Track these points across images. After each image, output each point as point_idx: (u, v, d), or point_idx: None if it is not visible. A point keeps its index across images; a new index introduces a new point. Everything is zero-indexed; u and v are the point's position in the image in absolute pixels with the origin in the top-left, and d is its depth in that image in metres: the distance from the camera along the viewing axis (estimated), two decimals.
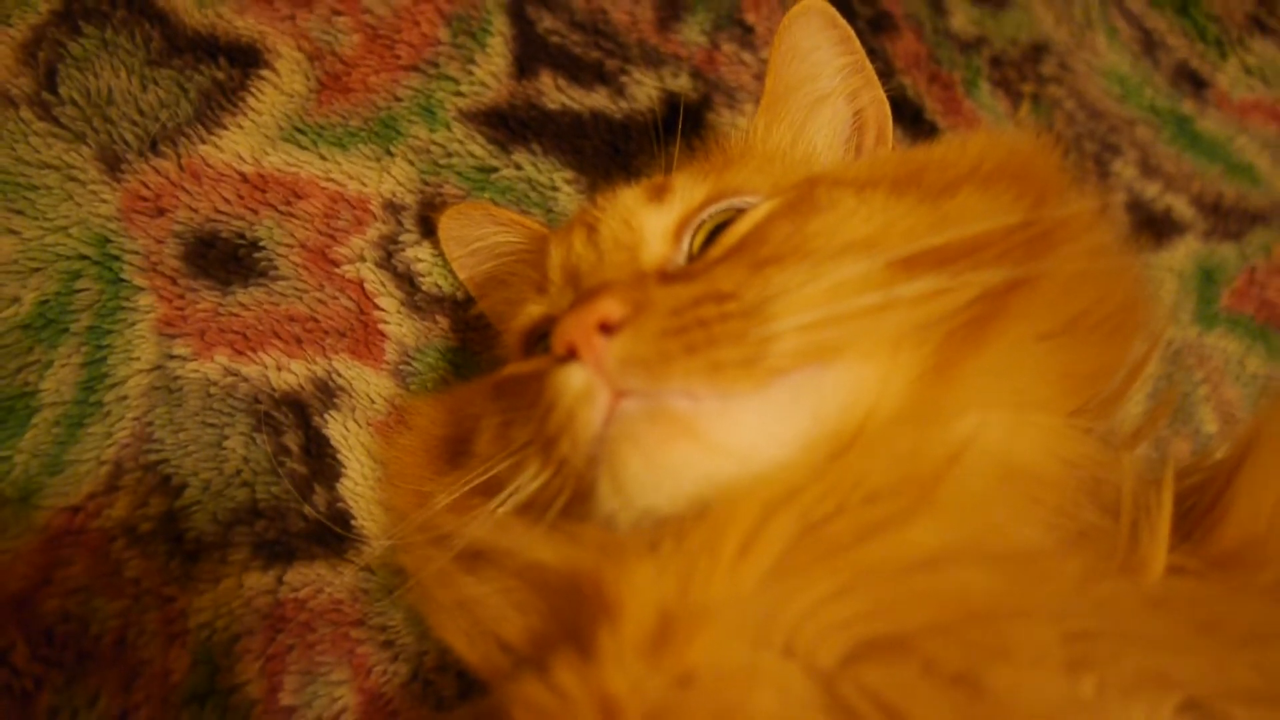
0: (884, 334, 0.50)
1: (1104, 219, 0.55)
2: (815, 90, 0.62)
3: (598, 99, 0.74)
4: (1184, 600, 0.45)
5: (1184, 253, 0.80)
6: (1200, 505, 0.52)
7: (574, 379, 0.48)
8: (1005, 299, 0.52)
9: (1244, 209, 0.83)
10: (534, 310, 0.58)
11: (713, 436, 0.47)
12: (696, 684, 0.41)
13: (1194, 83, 0.86)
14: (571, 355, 0.48)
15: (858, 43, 0.62)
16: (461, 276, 0.69)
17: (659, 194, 0.56)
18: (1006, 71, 0.81)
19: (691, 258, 0.55)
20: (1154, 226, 0.80)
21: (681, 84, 0.76)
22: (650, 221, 0.56)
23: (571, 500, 0.50)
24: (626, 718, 0.41)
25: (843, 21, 0.62)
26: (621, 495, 0.48)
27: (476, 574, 0.52)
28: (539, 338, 0.58)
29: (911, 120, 0.79)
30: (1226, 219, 0.82)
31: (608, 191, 0.57)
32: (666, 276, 0.52)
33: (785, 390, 0.48)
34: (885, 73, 0.79)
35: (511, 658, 0.50)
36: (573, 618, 0.47)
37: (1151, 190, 0.81)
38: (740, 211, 0.54)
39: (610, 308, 0.48)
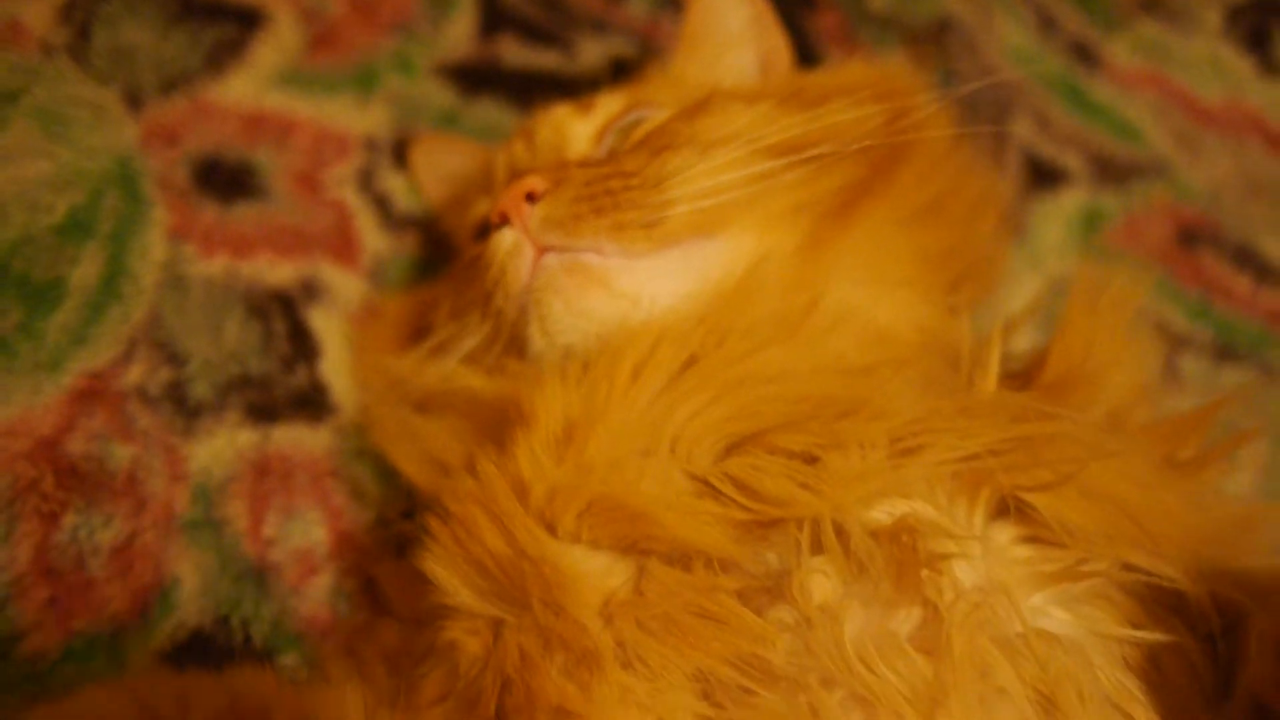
0: (761, 213, 0.60)
1: (955, 125, 0.66)
2: (725, 35, 0.74)
3: (550, 59, 0.87)
4: (1000, 405, 0.54)
5: (1071, 199, 0.91)
6: (1035, 364, 0.61)
7: (505, 239, 0.59)
8: (867, 187, 0.62)
9: (1128, 163, 0.94)
10: (482, 207, 0.69)
11: (619, 286, 0.58)
12: (593, 472, 0.51)
13: (1086, 57, 0.97)
14: (504, 221, 0.60)
15: None
16: (429, 199, 0.81)
17: (585, 108, 0.68)
18: (916, 46, 0.93)
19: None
20: (1046, 177, 0.92)
21: (625, 49, 0.89)
22: (577, 128, 0.67)
23: (508, 346, 0.61)
24: (533, 494, 0.51)
25: None
26: (547, 336, 0.59)
27: (427, 414, 0.63)
28: (485, 228, 0.69)
29: None
30: (1112, 171, 0.93)
31: (545, 107, 0.69)
32: (584, 163, 0.63)
33: (678, 255, 0.59)
34: (807, 45, 0.90)
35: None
36: (498, 435, 0.57)
37: (1045, 146, 0.93)
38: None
39: (534, 182, 0.59)
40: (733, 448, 0.52)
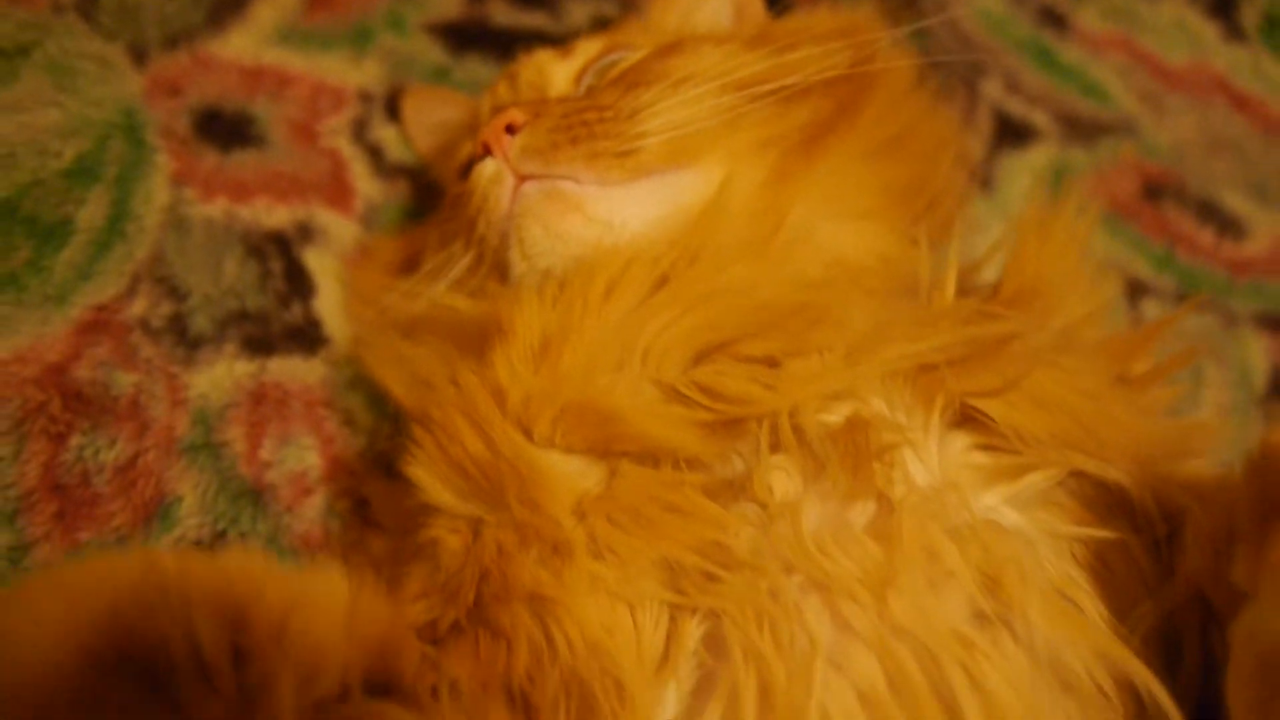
0: (730, 147, 0.64)
1: (916, 69, 0.70)
2: None
3: (538, 19, 0.91)
4: (952, 312, 0.57)
5: (1040, 155, 0.95)
6: (992, 291, 0.64)
7: (487, 168, 0.63)
8: (831, 124, 0.66)
9: (1096, 122, 0.98)
10: (468, 149, 0.73)
11: (594, 212, 0.61)
12: (567, 380, 0.54)
13: (1056, 21, 1.01)
14: (486, 152, 0.63)
15: None
16: (419, 149, 0.85)
17: (566, 52, 0.72)
18: (889, 8, 0.96)
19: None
20: (1015, 134, 0.95)
21: (609, 10, 0.93)
22: (557, 69, 0.71)
23: (490, 271, 0.64)
24: (510, 400, 0.54)
25: None
26: (527, 260, 0.62)
27: (414, 340, 0.66)
28: (470, 166, 0.72)
29: None
30: (1080, 129, 0.97)
31: (528, 52, 0.73)
32: (562, 100, 0.67)
33: (651, 185, 0.62)
34: (783, 6, 0.94)
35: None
36: (480, 351, 0.60)
37: (1014, 105, 0.96)
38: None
39: (514, 114, 0.63)
40: (700, 357, 0.55)
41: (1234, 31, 1.06)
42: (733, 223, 0.62)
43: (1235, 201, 0.98)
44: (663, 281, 0.58)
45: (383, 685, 0.47)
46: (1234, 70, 1.04)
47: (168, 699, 0.41)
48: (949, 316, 0.56)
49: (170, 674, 0.41)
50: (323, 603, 0.48)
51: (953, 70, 0.95)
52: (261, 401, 0.72)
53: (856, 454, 0.51)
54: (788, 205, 0.63)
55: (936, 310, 0.57)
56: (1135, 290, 0.92)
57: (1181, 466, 0.58)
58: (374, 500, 0.66)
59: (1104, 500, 0.55)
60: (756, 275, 0.58)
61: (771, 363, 0.54)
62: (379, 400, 0.71)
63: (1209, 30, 1.06)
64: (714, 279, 0.57)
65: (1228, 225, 0.97)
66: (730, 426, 0.53)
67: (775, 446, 0.52)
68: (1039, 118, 0.97)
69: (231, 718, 0.42)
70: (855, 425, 0.51)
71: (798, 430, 0.52)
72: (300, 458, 0.71)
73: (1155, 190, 0.98)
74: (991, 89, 0.96)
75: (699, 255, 0.59)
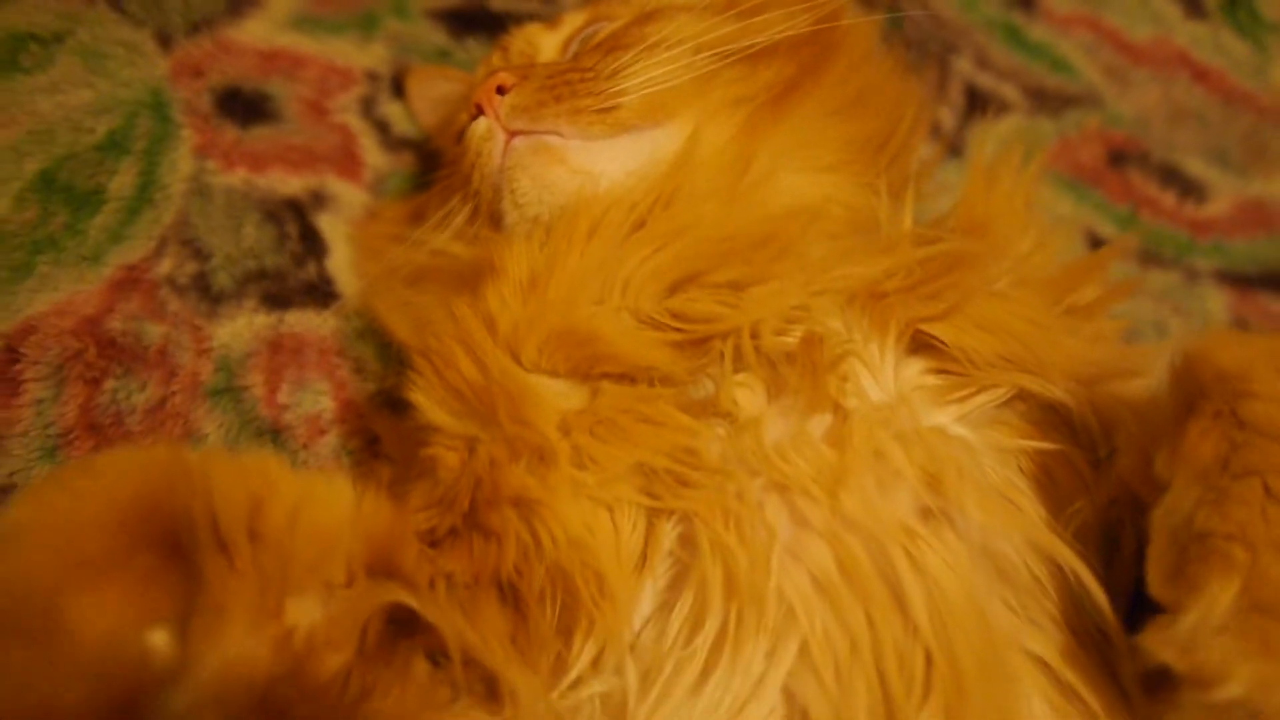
0: (703, 105, 0.69)
1: (878, 35, 0.75)
2: None
3: (532, 4, 0.97)
4: (904, 238, 0.62)
5: (1009, 125, 1.00)
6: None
7: (480, 126, 0.69)
8: (797, 83, 0.71)
9: (1063, 94, 1.03)
10: (464, 117, 0.79)
11: (577, 163, 0.67)
12: (552, 309, 0.60)
13: (1024, 2, 1.07)
14: (479, 112, 0.69)
15: None
16: (423, 123, 0.92)
17: (554, 24, 0.78)
18: None
19: None
20: (985, 105, 1.01)
21: None
22: (546, 39, 0.77)
23: (486, 221, 0.70)
24: (500, 327, 0.59)
25: None
26: (518, 209, 0.67)
27: (418, 288, 0.72)
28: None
29: None
30: (1047, 101, 1.02)
31: (519, 26, 0.79)
32: (549, 64, 0.73)
33: (629, 140, 0.68)
34: None
35: None
36: (475, 290, 0.66)
37: (985, 79, 1.02)
38: None
39: (504, 77, 0.69)
40: (674, 289, 0.60)
41: (1195, 9, 1.11)
42: (704, 170, 0.67)
43: (1197, 167, 1.03)
44: (640, 223, 0.63)
45: (384, 574, 0.52)
46: (1195, 45, 1.09)
47: (189, 568, 0.46)
48: (903, 242, 0.61)
49: (193, 548, 0.46)
50: (332, 499, 0.54)
51: (926, 48, 1.01)
52: (279, 350, 0.78)
53: (814, 368, 0.56)
54: (754, 157, 0.68)
55: (891, 238, 0.62)
56: (1098, 247, 0.97)
57: (1124, 385, 0.62)
58: (381, 433, 0.72)
59: (1050, 420, 0.59)
60: (724, 213, 0.63)
61: (736, 287, 0.59)
62: (386, 349, 0.77)
63: (1171, 8, 1.11)
64: (685, 218, 0.63)
65: (1189, 189, 1.02)
66: (698, 345, 0.58)
67: (739, 365, 0.57)
68: (1008, 91, 1.02)
69: (246, 592, 0.47)
70: (810, 341, 0.56)
71: (759, 349, 0.57)
72: (315, 401, 0.77)
73: (1119, 157, 1.03)
74: (963, 65, 1.02)
75: (673, 200, 0.64)
